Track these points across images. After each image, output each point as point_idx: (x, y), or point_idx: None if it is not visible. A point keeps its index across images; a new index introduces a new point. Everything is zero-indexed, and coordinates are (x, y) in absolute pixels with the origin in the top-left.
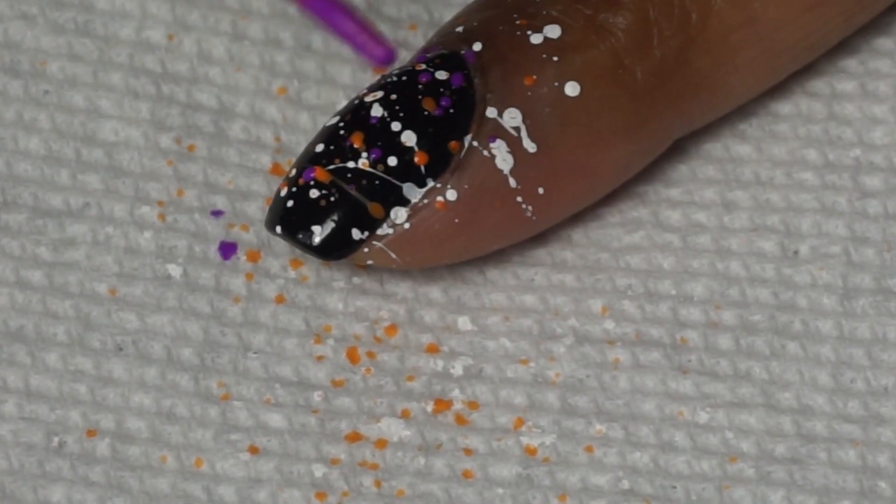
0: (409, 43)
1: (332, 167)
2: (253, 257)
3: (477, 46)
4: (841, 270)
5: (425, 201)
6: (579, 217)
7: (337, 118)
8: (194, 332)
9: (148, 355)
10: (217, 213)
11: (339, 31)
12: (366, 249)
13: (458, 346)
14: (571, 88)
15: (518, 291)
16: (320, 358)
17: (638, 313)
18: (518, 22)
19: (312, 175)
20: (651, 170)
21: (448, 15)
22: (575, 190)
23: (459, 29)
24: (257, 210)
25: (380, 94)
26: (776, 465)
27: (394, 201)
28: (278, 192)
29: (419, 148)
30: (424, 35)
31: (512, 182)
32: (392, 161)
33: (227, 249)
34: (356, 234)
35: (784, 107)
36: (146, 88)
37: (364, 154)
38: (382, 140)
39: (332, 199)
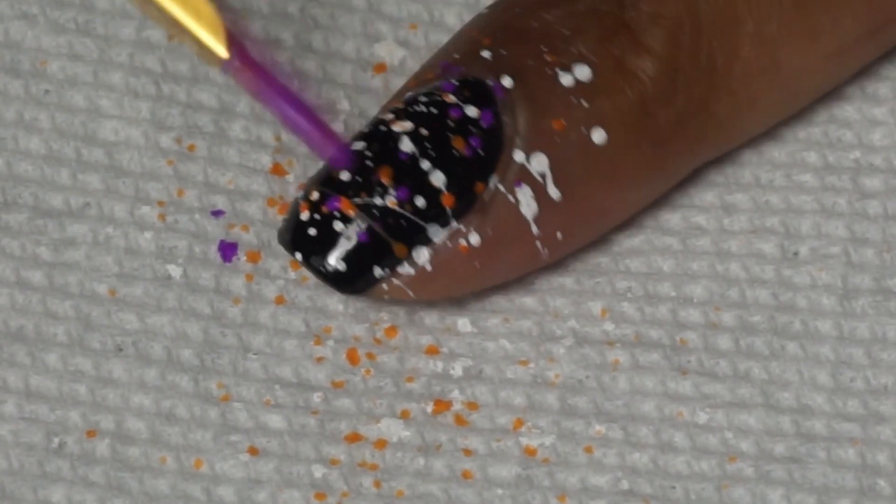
0: (410, 42)
1: (358, 201)
2: (253, 258)
3: (507, 82)
4: (841, 271)
5: (448, 244)
6: None
7: (362, 144)
8: (194, 332)
9: (148, 356)
10: (217, 213)
11: (293, 126)
12: (384, 286)
13: (457, 347)
14: (598, 135)
15: (518, 293)
16: (320, 359)
17: (637, 315)
18: (547, 58)
19: (337, 206)
20: None
21: (449, 15)
22: (590, 231)
23: (486, 54)
24: (258, 210)
25: (409, 125)
26: (775, 464)
27: (417, 241)
28: (297, 211)
29: (447, 190)
30: (425, 34)
31: (534, 229)
32: (419, 201)
33: (228, 250)
34: (378, 271)
35: None
36: (146, 88)
37: (392, 191)
38: (411, 178)
39: (357, 234)
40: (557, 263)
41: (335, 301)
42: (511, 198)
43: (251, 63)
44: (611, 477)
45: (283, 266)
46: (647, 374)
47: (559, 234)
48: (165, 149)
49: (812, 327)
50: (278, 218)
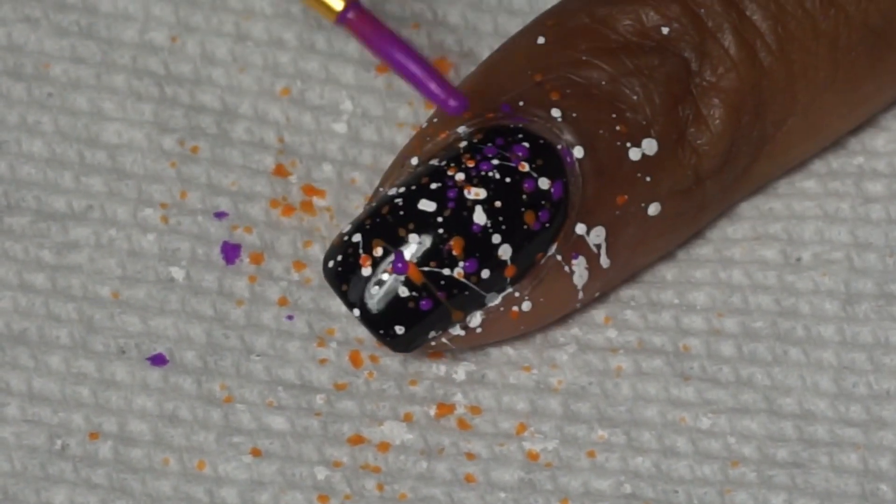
0: (413, 40)
1: (426, 269)
2: (256, 259)
3: (578, 152)
4: (843, 276)
5: (501, 309)
6: None
7: (433, 206)
8: (197, 334)
9: (151, 358)
10: (220, 215)
11: (408, 75)
12: (432, 343)
13: (460, 351)
14: (654, 209)
15: None
16: (323, 361)
17: (640, 322)
18: (618, 127)
19: (403, 270)
20: None
21: (452, 14)
22: (620, 283)
23: (556, 113)
24: (261, 211)
25: (482, 193)
26: (778, 469)
27: (475, 308)
28: (356, 261)
29: (511, 262)
30: (428, 34)
31: (580, 295)
32: (485, 273)
33: (231, 251)
34: (432, 333)
35: None
36: (149, 90)
37: (461, 263)
38: (481, 252)
39: (421, 302)
40: None
41: (338, 303)
42: (567, 268)
43: (365, 15)
44: (613, 481)
45: (286, 267)
46: (650, 381)
47: (597, 294)
48: (168, 151)
49: (815, 332)
50: (281, 219)
